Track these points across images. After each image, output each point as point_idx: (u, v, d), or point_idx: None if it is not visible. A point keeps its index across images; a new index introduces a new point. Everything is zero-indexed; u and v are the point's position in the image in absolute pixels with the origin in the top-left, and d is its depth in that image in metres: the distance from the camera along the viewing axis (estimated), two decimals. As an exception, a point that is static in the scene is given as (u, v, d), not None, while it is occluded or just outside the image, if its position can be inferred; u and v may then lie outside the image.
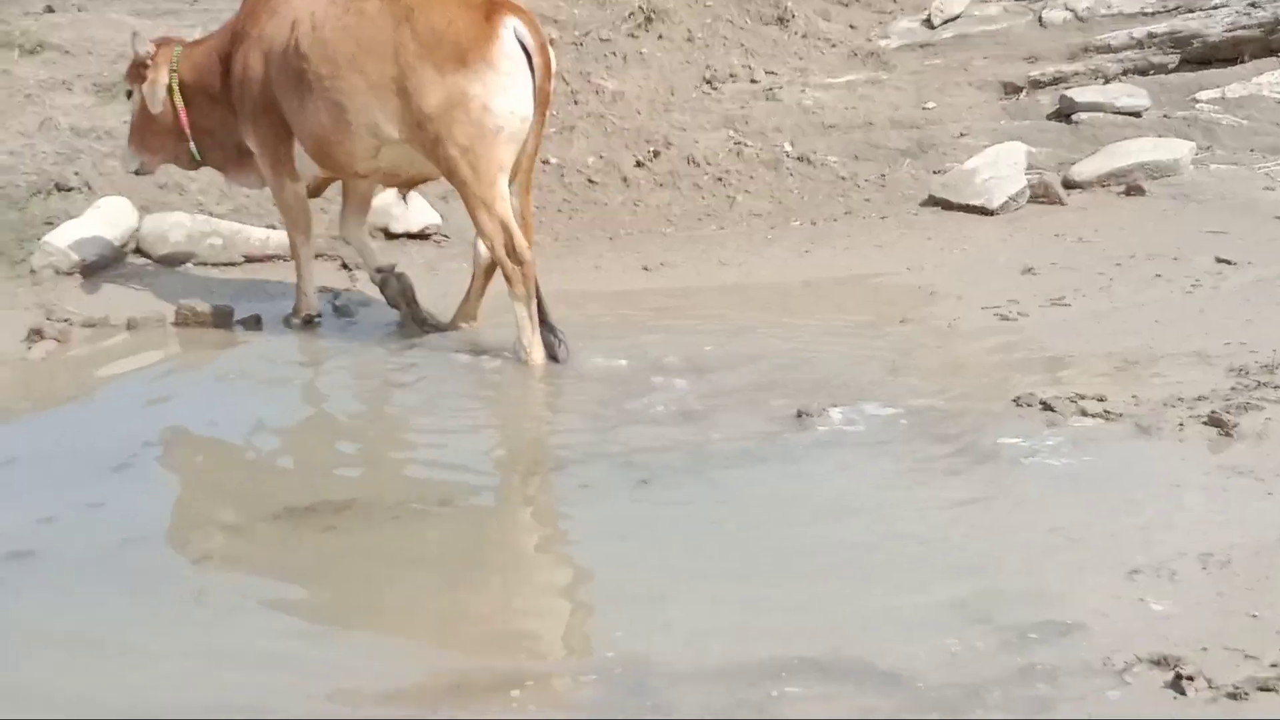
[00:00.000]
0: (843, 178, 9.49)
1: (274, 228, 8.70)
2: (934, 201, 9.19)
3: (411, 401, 6.63)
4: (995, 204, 8.97)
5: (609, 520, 5.29)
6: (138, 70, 7.84)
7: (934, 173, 9.46)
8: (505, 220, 6.87)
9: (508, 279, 6.94)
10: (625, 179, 9.52)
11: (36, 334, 7.36)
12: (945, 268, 8.18)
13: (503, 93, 6.75)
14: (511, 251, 6.88)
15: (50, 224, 8.66)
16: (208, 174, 8.90)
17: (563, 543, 5.34)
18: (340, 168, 7.43)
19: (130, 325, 7.59)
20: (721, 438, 5.94)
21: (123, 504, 5.60)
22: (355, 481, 5.72)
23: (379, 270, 7.73)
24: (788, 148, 9.68)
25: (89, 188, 9.05)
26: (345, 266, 8.52)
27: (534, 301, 6.93)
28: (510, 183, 6.99)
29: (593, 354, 7.02)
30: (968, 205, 9.03)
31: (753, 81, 10.25)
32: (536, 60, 6.80)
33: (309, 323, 7.69)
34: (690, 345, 7.09)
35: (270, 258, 8.59)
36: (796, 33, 10.67)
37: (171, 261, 8.60)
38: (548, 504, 5.67)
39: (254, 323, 7.69)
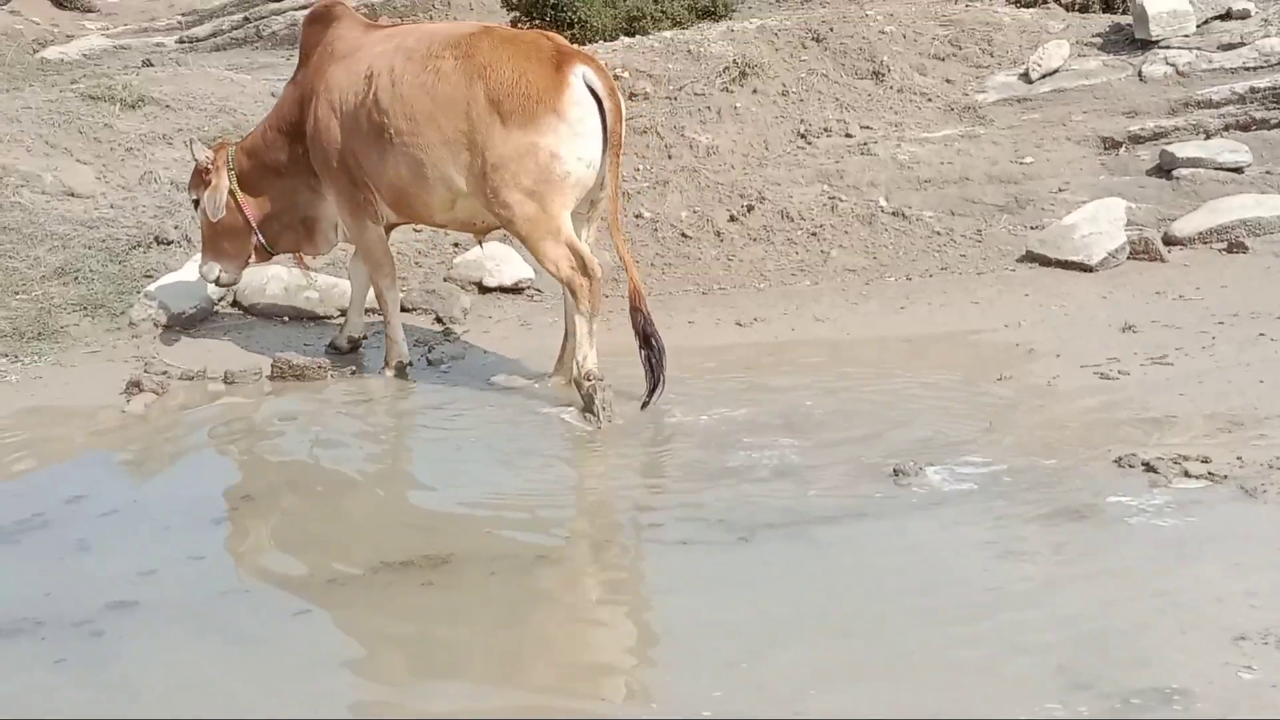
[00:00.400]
0: (938, 233, 9.42)
1: (369, 281, 8.77)
2: (1032, 257, 9.10)
3: (506, 455, 6.62)
4: (1095, 260, 8.87)
5: (707, 578, 5.26)
6: (200, 178, 8.02)
7: (1031, 228, 9.36)
8: (571, 241, 7.11)
9: (575, 294, 7.13)
10: (718, 233, 9.51)
11: (135, 386, 7.44)
12: (1044, 325, 8.09)
13: (572, 140, 7.00)
14: (582, 267, 7.09)
15: (150, 276, 8.79)
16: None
17: (661, 600, 5.28)
18: (418, 217, 7.64)
19: (227, 378, 7.67)
20: (819, 496, 5.89)
21: (222, 556, 5.68)
22: (451, 536, 5.70)
23: (349, 339, 8.08)
24: (883, 202, 9.63)
25: (188, 241, 9.17)
26: (439, 320, 8.56)
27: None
28: (585, 225, 7.32)
29: (687, 409, 7.00)
30: (1066, 261, 8.93)
31: (847, 136, 10.23)
32: (607, 104, 7.04)
33: (401, 371, 7.76)
34: (785, 401, 7.07)
35: (365, 310, 8.63)
36: (892, 87, 10.63)
37: (268, 314, 8.69)
38: (646, 561, 5.63)
39: (349, 375, 7.74)
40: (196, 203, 8.14)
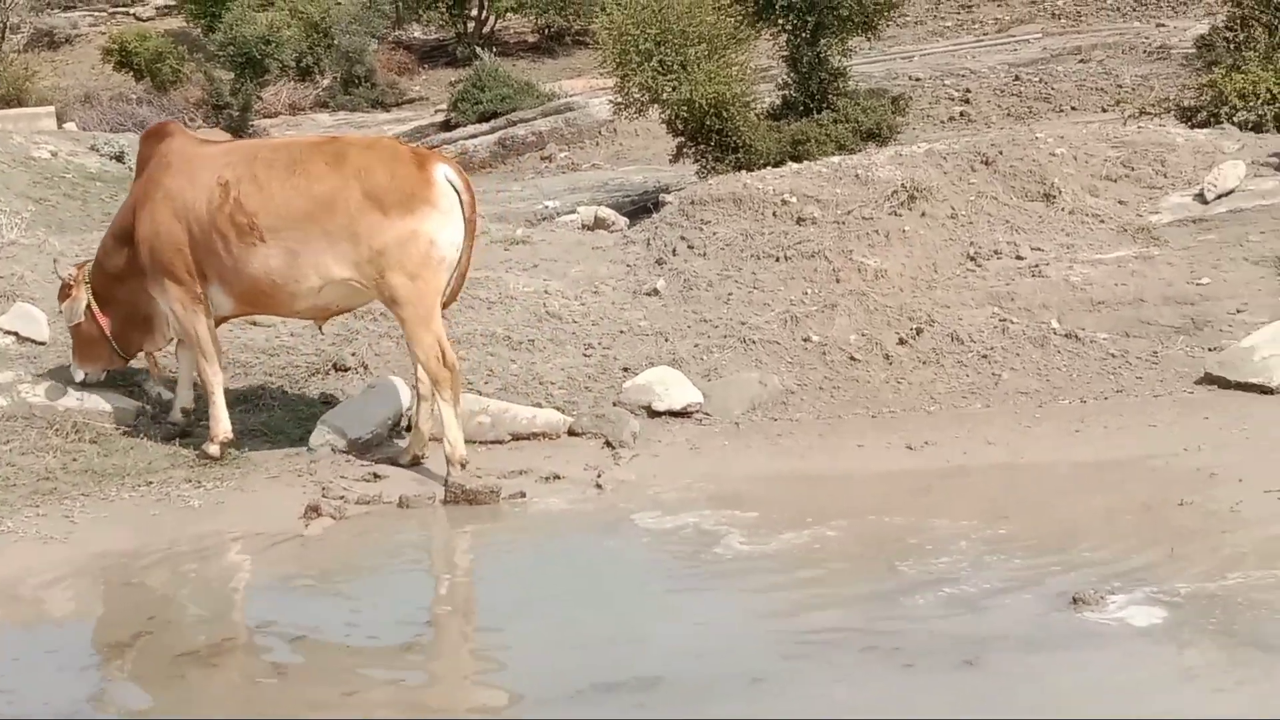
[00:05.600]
0: (1113, 355, 9.28)
1: (540, 406, 8.85)
2: (1210, 380, 8.91)
3: (700, 572, 6.64)
4: (1276, 382, 8.66)
5: (936, 702, 5.23)
6: (64, 292, 8.70)
7: (1209, 350, 9.18)
8: (440, 336, 8.04)
9: (438, 384, 7.98)
10: (887, 356, 9.45)
11: (313, 511, 7.58)
12: (1225, 449, 7.90)
13: (446, 227, 8.00)
14: (444, 361, 7.96)
15: (328, 403, 8.96)
16: (476, 354, 9.15)
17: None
18: (278, 306, 8.32)
19: (402, 503, 7.76)
20: (996, 623, 5.81)
21: (419, 682, 5.72)
22: (658, 657, 5.71)
23: (176, 422, 8.68)
24: (1055, 324, 9.52)
25: (365, 368, 9.35)
26: (608, 444, 8.58)
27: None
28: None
29: (857, 532, 6.94)
30: (1246, 384, 8.73)
31: (1018, 258, 10.14)
32: (465, 197, 8.10)
33: (225, 448, 8.28)
34: (960, 525, 7.00)
35: (536, 435, 8.71)
36: (1063, 209, 10.53)
37: (441, 439, 8.77)
38: (873, 683, 5.49)
39: (520, 499, 7.80)
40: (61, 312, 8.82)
